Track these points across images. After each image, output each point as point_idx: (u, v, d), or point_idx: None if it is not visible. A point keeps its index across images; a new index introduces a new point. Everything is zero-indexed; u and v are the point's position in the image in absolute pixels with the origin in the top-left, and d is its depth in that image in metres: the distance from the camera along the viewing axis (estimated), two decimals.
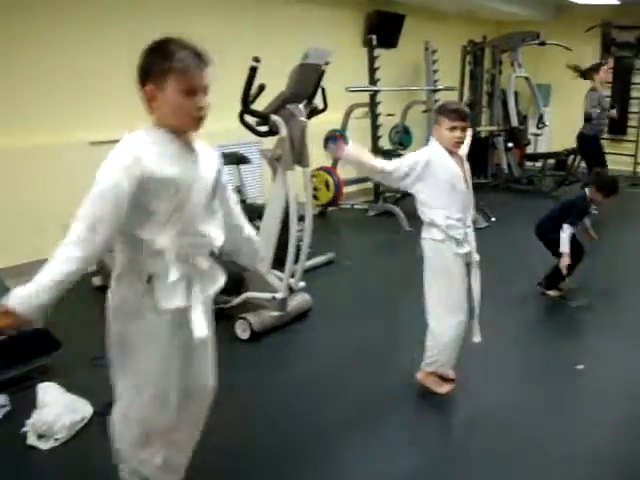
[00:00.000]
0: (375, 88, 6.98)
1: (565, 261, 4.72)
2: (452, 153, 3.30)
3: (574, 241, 4.84)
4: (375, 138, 7.11)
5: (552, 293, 5.04)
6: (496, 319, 4.59)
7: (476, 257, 3.42)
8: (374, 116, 7.05)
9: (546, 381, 3.79)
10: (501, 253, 6.12)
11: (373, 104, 7.00)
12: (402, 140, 8.32)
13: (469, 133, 3.40)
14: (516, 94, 11.09)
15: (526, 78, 9.21)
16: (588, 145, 7.82)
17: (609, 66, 7.93)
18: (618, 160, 10.69)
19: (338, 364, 3.95)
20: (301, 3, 7.34)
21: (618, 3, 9.78)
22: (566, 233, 4.72)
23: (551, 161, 10.11)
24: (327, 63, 4.25)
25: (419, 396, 3.57)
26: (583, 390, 3.72)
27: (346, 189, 7.62)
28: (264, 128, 4.19)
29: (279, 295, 4.25)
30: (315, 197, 7.41)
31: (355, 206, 7.37)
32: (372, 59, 6.93)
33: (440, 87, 8.14)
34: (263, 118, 4.07)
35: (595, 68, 7.75)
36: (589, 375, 3.82)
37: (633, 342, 4.28)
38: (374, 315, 4.73)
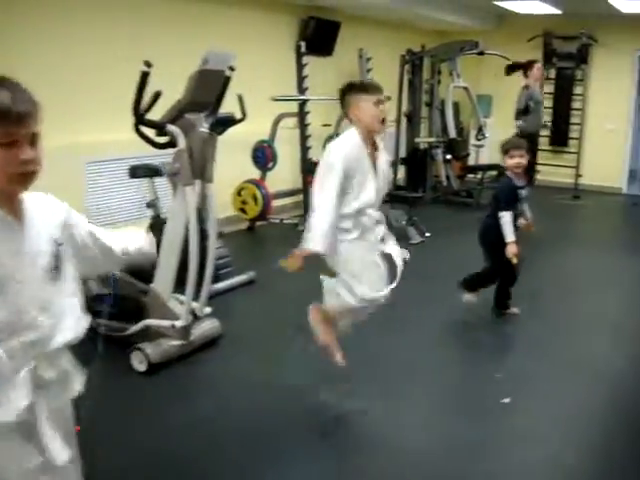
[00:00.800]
0: (302, 97, 6.65)
1: (512, 249, 4.40)
2: (368, 140, 3.13)
3: (506, 263, 4.54)
4: (304, 149, 6.78)
5: (468, 297, 4.76)
6: (419, 342, 4.30)
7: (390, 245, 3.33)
8: (303, 126, 6.72)
9: (469, 417, 3.47)
10: (433, 270, 5.83)
11: (302, 114, 6.67)
12: None
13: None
14: (457, 105, 10.90)
15: (465, 88, 8.99)
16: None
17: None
18: (559, 172, 10.58)
19: (243, 398, 3.61)
20: (232, 6, 7.00)
21: (559, 13, 9.65)
22: (504, 219, 4.43)
23: (493, 173, 9.94)
24: (232, 69, 3.89)
25: (328, 429, 3.28)
26: (509, 427, 3.41)
27: (276, 202, 7.28)
28: (164, 139, 3.82)
29: (179, 323, 3.87)
30: (243, 211, 7.05)
31: (285, 221, 7.02)
32: (300, 66, 6.61)
33: None
34: (159, 128, 3.69)
35: (529, 65, 7.59)
36: (516, 409, 3.53)
37: (563, 370, 4.01)
38: (292, 340, 4.37)
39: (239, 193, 7.03)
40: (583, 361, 4.13)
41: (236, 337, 4.35)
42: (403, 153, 9.43)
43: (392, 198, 6.99)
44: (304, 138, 6.75)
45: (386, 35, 9.60)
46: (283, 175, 7.08)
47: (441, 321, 4.79)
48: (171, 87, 3.55)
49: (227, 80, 3.95)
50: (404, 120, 9.34)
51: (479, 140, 9.25)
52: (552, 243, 7.19)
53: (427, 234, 6.93)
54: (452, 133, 8.56)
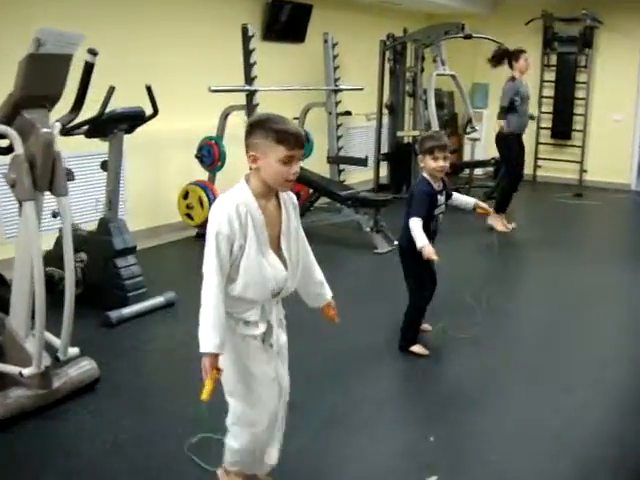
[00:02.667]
0: (246, 87, 5.84)
1: (429, 249, 3.57)
2: (269, 198, 2.26)
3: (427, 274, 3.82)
4: None
5: (417, 349, 3.92)
6: (346, 390, 3.47)
7: (282, 339, 2.42)
8: None
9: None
10: (388, 289, 5.03)
11: (250, 106, 5.87)
12: None
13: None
14: (451, 95, 10.07)
15: (452, 76, 8.12)
16: (508, 145, 6.74)
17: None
18: (562, 167, 9.70)
19: (99, 462, 2.84)
20: None
21: None
22: (413, 224, 3.61)
23: (489, 169, 9.14)
24: (94, 53, 3.12)
25: None
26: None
27: None
28: (6, 142, 3.05)
29: (28, 370, 3.11)
30: (189, 217, 6.29)
31: None
32: (247, 52, 5.80)
33: (341, 87, 7.02)
34: None
35: (515, 55, 6.66)
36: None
37: (517, 431, 3.18)
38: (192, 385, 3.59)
39: (185, 196, 6.26)
40: (544, 420, 3.28)
41: (122, 381, 3.57)
42: (386, 148, 8.64)
43: (356, 201, 6.20)
44: None
45: (366, 19, 8.75)
46: (236, 176, 6.23)
47: (381, 352, 3.98)
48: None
49: (90, 67, 3.19)
50: (386, 112, 8.56)
51: (467, 133, 8.38)
52: (539, 251, 6.33)
53: (396, 242, 6.08)
54: (435, 126, 7.69)
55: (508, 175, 6.91)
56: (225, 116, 6.13)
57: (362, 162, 6.84)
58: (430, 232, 3.72)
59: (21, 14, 4.92)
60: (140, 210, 6.25)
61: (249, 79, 5.82)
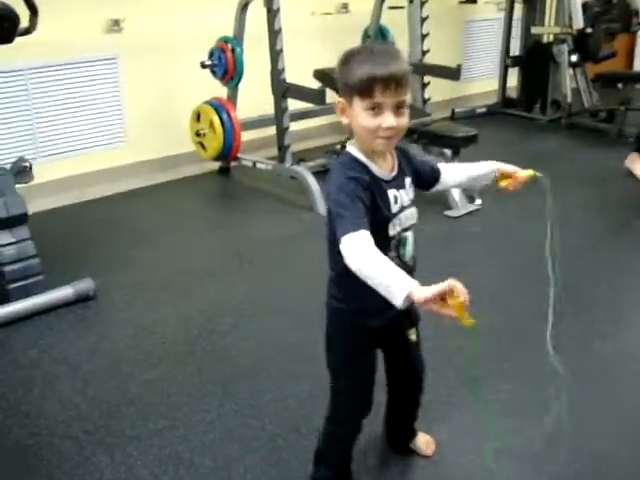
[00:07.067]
0: None
1: (422, 294, 1.35)
2: None
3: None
4: (274, 54, 4.15)
5: None
6: None
7: None
8: (272, 17, 4.07)
9: None
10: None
11: None
12: None
13: None
14: None
15: None
16: None
17: None
18: None
19: None
20: None
21: None
22: (353, 249, 1.44)
23: None
24: None
25: None
26: None
27: (256, 134, 4.82)
28: None
29: None
30: (202, 146, 4.67)
31: (258, 164, 4.53)
32: None
33: None
34: None
35: None
36: None
37: None
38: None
39: (197, 118, 4.64)
40: None
41: None
42: (517, 49, 6.46)
43: (423, 136, 4.30)
44: (273, 35, 4.10)
45: None
46: (262, 92, 4.44)
47: None
48: None
49: None
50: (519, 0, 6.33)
51: (634, 32, 5.97)
52: None
53: (478, 201, 4.16)
54: (579, 22, 5.42)
55: None
56: (242, 7, 4.31)
57: (453, 74, 4.80)
58: None
59: None
60: (146, 136, 4.74)
61: None
